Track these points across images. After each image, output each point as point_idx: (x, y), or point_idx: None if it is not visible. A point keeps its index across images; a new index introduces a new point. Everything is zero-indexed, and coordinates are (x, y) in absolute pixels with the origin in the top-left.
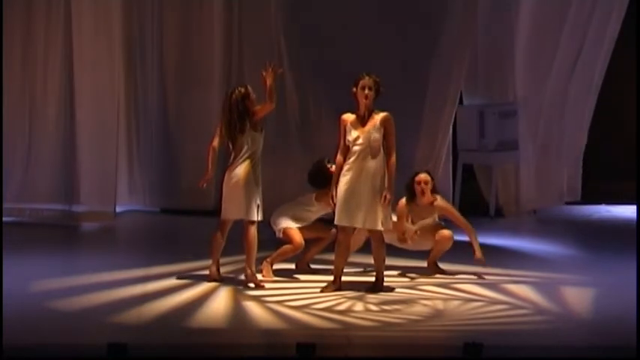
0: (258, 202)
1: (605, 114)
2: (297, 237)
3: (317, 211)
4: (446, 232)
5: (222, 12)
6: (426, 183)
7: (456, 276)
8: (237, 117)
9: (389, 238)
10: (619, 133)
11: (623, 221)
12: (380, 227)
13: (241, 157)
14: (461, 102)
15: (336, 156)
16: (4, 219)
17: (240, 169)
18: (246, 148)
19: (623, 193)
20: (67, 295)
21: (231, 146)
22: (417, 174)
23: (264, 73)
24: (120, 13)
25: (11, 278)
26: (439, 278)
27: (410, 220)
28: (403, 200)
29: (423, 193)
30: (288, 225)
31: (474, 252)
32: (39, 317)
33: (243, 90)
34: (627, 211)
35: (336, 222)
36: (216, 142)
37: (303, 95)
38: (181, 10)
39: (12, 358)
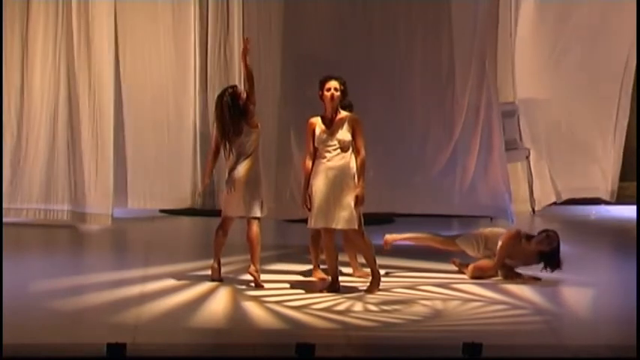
0: (262, 198)
1: None
2: None
3: None
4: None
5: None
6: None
7: (456, 276)
8: (230, 118)
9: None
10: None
11: (623, 221)
12: (355, 226)
13: (242, 156)
14: None
15: (304, 160)
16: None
17: (242, 168)
18: (246, 147)
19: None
20: (66, 295)
21: (228, 147)
22: (548, 236)
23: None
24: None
25: (11, 278)
26: (439, 278)
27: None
28: (513, 233)
29: (538, 252)
30: None
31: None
32: (39, 317)
33: (232, 90)
34: (627, 210)
35: (312, 226)
36: (215, 147)
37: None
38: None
39: (12, 358)
